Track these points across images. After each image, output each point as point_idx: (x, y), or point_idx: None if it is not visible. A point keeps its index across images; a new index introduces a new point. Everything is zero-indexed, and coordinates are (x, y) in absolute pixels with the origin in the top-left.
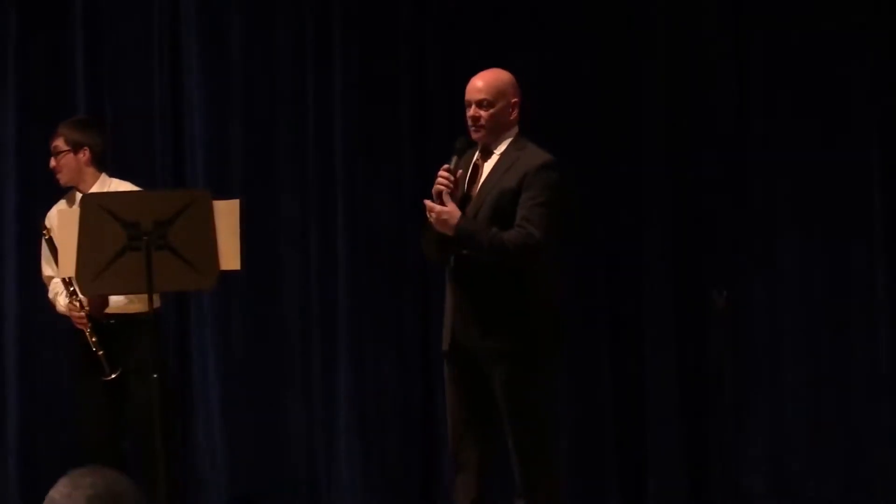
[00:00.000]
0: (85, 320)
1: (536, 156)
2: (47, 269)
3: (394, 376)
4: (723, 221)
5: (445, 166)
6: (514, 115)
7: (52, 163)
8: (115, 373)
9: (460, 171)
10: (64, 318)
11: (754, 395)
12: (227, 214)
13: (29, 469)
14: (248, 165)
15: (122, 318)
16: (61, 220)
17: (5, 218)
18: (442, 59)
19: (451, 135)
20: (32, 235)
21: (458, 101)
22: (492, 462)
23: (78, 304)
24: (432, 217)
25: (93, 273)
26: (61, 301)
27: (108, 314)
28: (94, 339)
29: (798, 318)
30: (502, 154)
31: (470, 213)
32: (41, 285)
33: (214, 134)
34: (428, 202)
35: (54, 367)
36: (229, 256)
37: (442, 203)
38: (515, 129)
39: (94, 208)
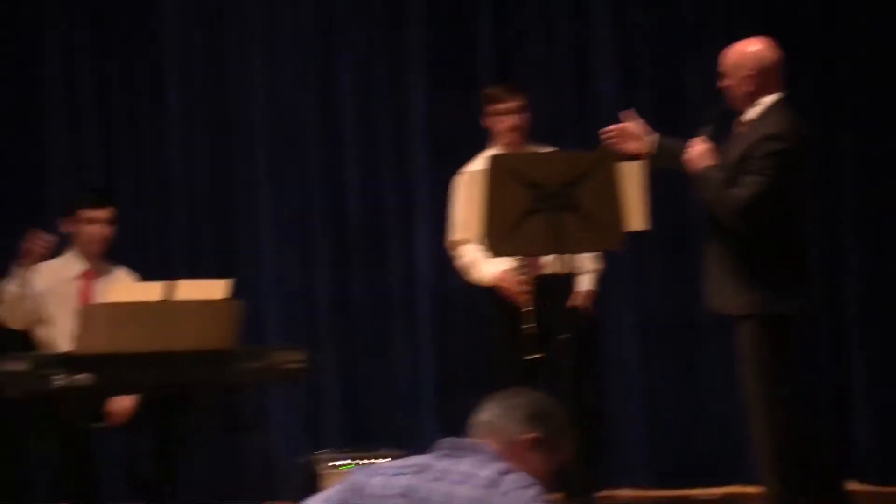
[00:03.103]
0: (528, 294)
1: (768, 126)
2: (456, 234)
3: None
4: None
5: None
6: (752, 86)
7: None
8: (539, 354)
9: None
10: (479, 289)
11: None
12: (631, 175)
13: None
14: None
15: (547, 279)
16: (468, 180)
17: (418, 180)
18: None
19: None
20: (444, 200)
21: None
22: None
23: (527, 278)
24: (692, 150)
25: (500, 234)
26: (482, 271)
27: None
28: (531, 318)
29: None
30: (747, 123)
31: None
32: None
33: (625, 93)
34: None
35: (467, 332)
36: (636, 217)
37: None
38: (770, 98)
39: (501, 169)
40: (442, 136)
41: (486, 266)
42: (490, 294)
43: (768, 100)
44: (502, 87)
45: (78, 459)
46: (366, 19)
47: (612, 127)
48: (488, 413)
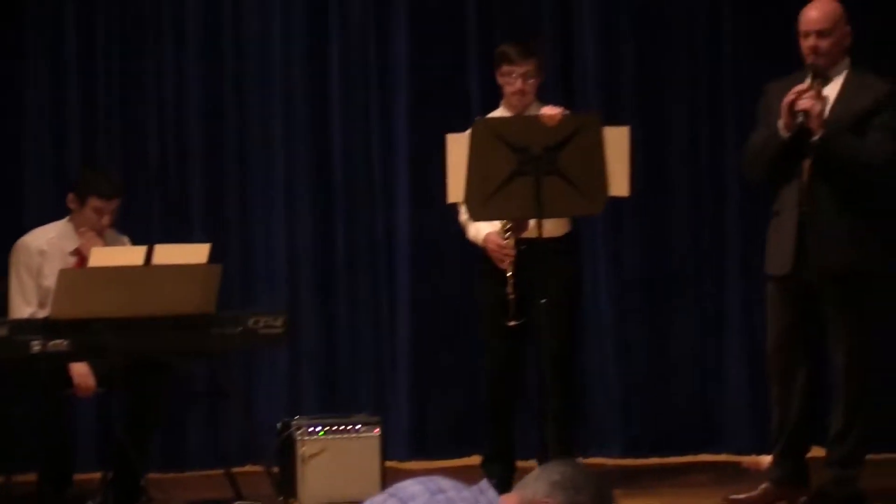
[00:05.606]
0: (511, 259)
1: (883, 81)
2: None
3: None
4: None
5: (802, 86)
6: (848, 42)
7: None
8: (518, 321)
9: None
10: (472, 247)
11: None
12: (617, 140)
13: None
14: (640, 91)
15: (533, 244)
16: (451, 144)
17: (400, 138)
18: None
19: None
20: (421, 160)
21: None
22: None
23: (511, 241)
24: (813, 108)
25: (482, 198)
26: (477, 230)
27: (520, 240)
28: (512, 281)
29: None
30: (846, 79)
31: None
32: (442, 208)
33: (606, 57)
34: (802, 102)
35: (444, 289)
36: (619, 182)
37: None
38: (848, 58)
39: (485, 134)
40: (425, 90)
41: (477, 227)
42: (480, 255)
43: (848, 57)
44: (516, 47)
45: (52, 426)
46: None
47: (802, 86)
48: (531, 473)
